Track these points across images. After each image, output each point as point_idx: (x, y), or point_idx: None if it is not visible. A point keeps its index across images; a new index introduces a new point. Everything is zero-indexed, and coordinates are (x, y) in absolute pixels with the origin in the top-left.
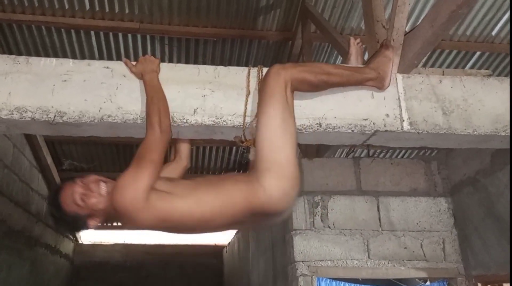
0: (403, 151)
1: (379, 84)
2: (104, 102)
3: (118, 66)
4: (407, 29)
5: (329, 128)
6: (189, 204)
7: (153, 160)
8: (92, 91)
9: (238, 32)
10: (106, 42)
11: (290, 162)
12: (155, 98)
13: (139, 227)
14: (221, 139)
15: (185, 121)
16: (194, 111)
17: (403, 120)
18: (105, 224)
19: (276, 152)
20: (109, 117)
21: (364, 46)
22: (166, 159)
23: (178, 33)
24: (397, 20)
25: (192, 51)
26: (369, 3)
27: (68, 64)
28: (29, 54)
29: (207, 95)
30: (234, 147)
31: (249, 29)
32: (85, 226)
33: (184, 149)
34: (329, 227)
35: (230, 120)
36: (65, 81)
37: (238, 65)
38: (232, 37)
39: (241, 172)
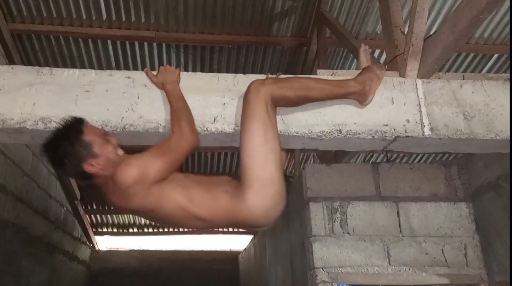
0: (420, 155)
1: (360, 98)
2: (126, 111)
3: (139, 76)
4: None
5: (349, 134)
6: (182, 199)
7: (173, 159)
8: (114, 101)
9: (253, 39)
10: (122, 51)
11: (273, 180)
12: (181, 108)
13: (126, 208)
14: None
15: (205, 129)
16: (214, 119)
17: (424, 126)
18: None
19: (259, 170)
20: (131, 126)
21: (371, 50)
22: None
23: (193, 41)
24: (416, 25)
25: (207, 59)
26: (387, 9)
27: (91, 74)
28: (47, 64)
29: (227, 103)
30: None
31: (264, 35)
32: (81, 164)
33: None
34: (349, 233)
35: None
36: (88, 91)
37: (253, 71)
38: (247, 43)
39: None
